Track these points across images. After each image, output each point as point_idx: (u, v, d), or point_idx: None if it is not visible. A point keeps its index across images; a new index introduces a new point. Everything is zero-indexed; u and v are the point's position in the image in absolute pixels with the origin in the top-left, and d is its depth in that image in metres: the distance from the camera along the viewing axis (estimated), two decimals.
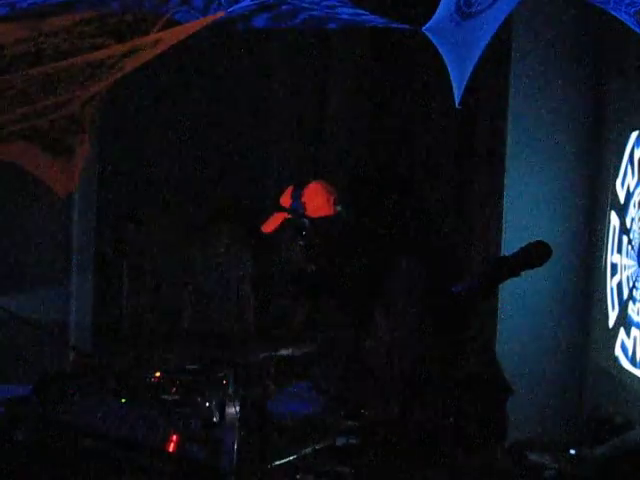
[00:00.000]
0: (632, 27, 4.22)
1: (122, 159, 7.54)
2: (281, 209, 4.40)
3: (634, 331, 5.78)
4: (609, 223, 6.27)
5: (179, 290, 7.78)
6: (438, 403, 3.80)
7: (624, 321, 5.93)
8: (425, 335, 3.83)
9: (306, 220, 4.29)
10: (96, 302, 7.39)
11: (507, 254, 3.45)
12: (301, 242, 4.25)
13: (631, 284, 5.87)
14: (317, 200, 4.30)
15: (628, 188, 6.01)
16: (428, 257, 4.02)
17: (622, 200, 6.09)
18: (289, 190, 4.41)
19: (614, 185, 6.21)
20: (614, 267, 6.17)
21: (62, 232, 7.26)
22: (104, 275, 7.44)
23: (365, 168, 7.32)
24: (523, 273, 3.63)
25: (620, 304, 6.02)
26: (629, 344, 5.85)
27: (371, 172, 4.44)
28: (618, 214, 6.15)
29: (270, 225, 4.34)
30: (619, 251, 6.10)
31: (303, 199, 4.30)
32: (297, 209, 4.30)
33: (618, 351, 5.98)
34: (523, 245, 3.72)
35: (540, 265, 3.53)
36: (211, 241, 7.59)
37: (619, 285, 6.07)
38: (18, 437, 3.58)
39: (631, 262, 5.86)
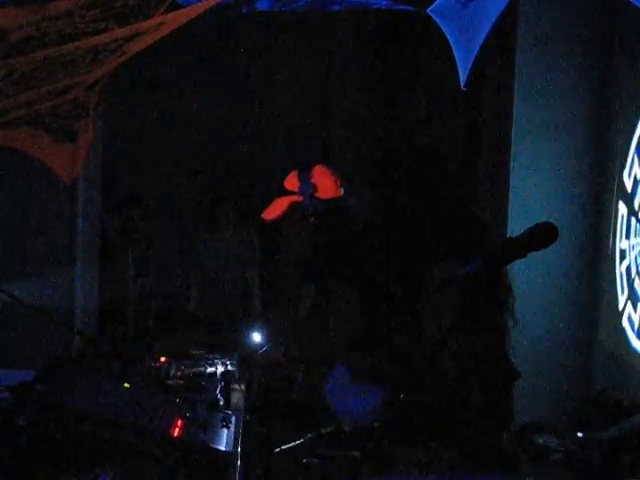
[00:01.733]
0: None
1: (127, 144, 7.54)
2: (286, 193, 4.38)
3: None
4: (617, 211, 6.24)
5: (185, 274, 7.79)
6: (446, 387, 3.78)
7: (632, 296, 5.92)
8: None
9: (317, 202, 4.28)
10: (101, 287, 7.39)
11: (513, 236, 3.41)
12: (315, 221, 4.23)
13: (639, 261, 5.86)
14: (326, 181, 4.30)
15: (635, 177, 5.98)
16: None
17: (629, 189, 6.06)
18: (294, 174, 4.39)
19: (621, 175, 6.18)
20: (622, 253, 6.14)
21: (67, 217, 7.25)
22: (109, 260, 7.44)
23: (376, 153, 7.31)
24: (529, 254, 3.62)
25: (629, 287, 6.00)
26: (635, 318, 5.84)
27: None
28: (625, 203, 6.12)
29: (274, 211, 4.32)
30: (627, 237, 6.08)
31: (312, 180, 4.29)
32: (307, 191, 4.29)
33: (625, 324, 5.96)
34: (529, 226, 3.70)
35: (546, 246, 3.48)
36: (217, 225, 7.59)
37: (628, 269, 6.05)
38: (22, 422, 3.57)
39: (639, 240, 5.84)
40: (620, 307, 6.12)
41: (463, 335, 3.79)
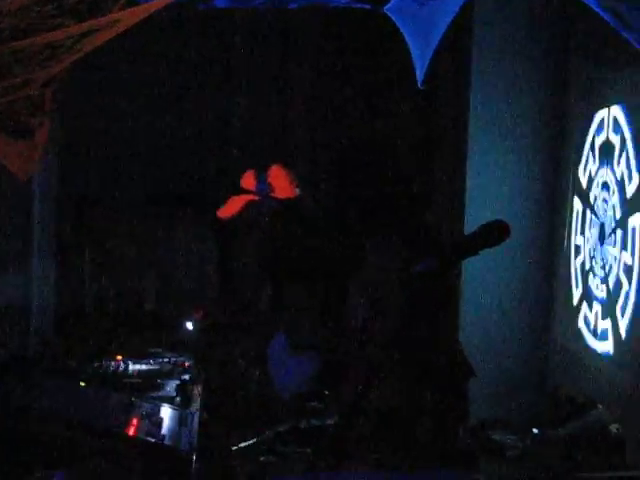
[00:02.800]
0: (593, 8, 4.22)
1: (83, 141, 7.48)
2: (242, 192, 4.39)
3: (595, 305, 5.83)
4: (572, 207, 6.31)
5: (142, 273, 7.76)
6: (399, 385, 3.80)
7: (586, 295, 5.98)
8: (403, 315, 3.83)
9: (272, 201, 4.30)
10: (58, 286, 7.33)
11: (466, 234, 3.44)
12: (262, 224, 4.25)
13: (591, 255, 5.93)
14: (282, 181, 4.32)
15: (590, 174, 6.04)
16: (406, 237, 4.02)
17: (584, 185, 6.13)
18: (251, 173, 4.41)
19: (576, 171, 6.25)
20: (577, 248, 6.21)
21: (22, 215, 7.18)
22: (66, 258, 7.39)
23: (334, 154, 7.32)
24: (481, 252, 3.64)
25: (583, 282, 6.06)
26: (589, 314, 5.90)
27: (353, 154, 4.42)
28: (581, 199, 6.18)
29: (229, 209, 4.33)
30: (582, 233, 6.14)
31: (269, 180, 4.31)
32: (263, 190, 4.31)
33: (581, 324, 6.03)
34: (481, 223, 3.72)
35: (498, 244, 3.52)
36: (173, 223, 7.56)
37: (582, 265, 6.11)
38: None
39: (594, 233, 5.90)
40: (575, 303, 6.18)
41: (415, 329, 3.81)
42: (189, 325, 5.19)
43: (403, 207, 4.30)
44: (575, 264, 6.24)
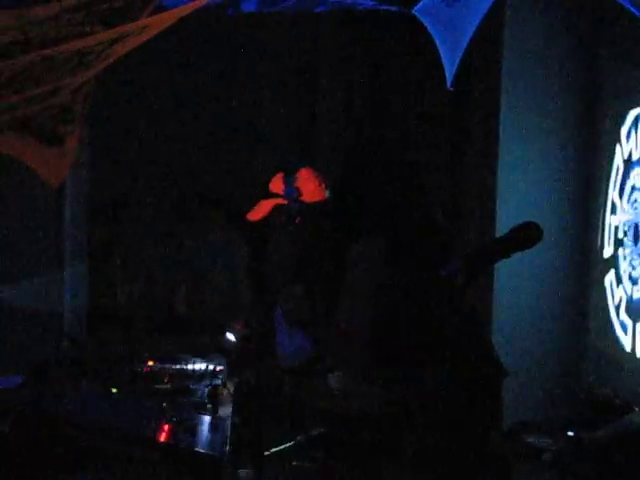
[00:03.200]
0: (626, 6, 4.19)
1: (113, 147, 7.51)
2: (271, 196, 4.39)
3: (632, 307, 5.77)
4: (606, 207, 6.24)
5: (173, 277, 7.78)
6: (429, 386, 3.76)
7: (623, 297, 5.92)
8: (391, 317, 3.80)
9: (301, 205, 4.30)
10: (90, 290, 7.36)
11: (497, 237, 3.41)
12: (290, 228, 4.24)
13: (630, 257, 5.86)
14: (310, 185, 4.31)
15: (623, 174, 5.99)
16: (393, 239, 4.00)
17: (618, 186, 6.05)
18: (279, 176, 4.40)
19: (610, 171, 6.17)
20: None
21: (54, 221, 7.22)
22: (97, 262, 7.42)
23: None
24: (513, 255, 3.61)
25: (620, 283, 5.99)
26: (628, 320, 5.84)
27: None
28: (615, 199, 6.12)
29: (258, 212, 4.33)
30: (617, 234, 6.08)
31: (297, 184, 4.30)
32: (291, 194, 4.30)
33: (617, 326, 5.97)
34: (513, 226, 3.69)
35: (530, 247, 3.48)
36: (204, 228, 7.57)
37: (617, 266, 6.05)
38: (6, 428, 3.56)
39: (629, 234, 5.85)
40: (611, 305, 6.12)
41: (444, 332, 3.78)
42: (229, 335, 5.17)
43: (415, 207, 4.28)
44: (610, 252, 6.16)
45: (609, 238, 6.21)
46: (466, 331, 3.91)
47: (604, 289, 6.22)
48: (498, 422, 4.27)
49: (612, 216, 6.16)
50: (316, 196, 4.27)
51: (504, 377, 4.18)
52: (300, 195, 4.25)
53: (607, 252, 6.22)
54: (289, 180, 4.31)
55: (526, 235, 3.51)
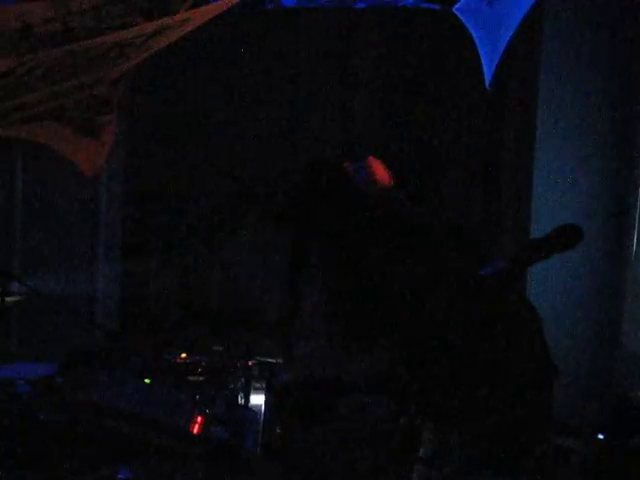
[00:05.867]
0: None
1: (150, 139, 7.54)
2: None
3: None
4: None
5: (207, 270, 7.79)
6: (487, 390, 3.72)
7: None
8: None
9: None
10: (124, 282, 7.40)
11: (537, 237, 3.39)
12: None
13: None
14: (381, 171, 4.27)
15: None
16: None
17: None
18: (347, 164, 4.35)
19: None
20: None
21: (89, 212, 7.27)
22: (131, 255, 7.45)
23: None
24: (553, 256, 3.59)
25: None
26: None
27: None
28: None
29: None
30: None
31: (368, 170, 4.25)
32: (363, 179, 4.25)
33: None
34: (554, 227, 3.66)
35: (570, 248, 3.46)
36: (240, 222, 7.58)
37: None
38: (42, 416, 3.58)
39: None
40: None
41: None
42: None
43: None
44: None
45: None
46: (516, 330, 3.87)
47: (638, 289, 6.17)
48: (548, 432, 4.18)
49: None
50: (386, 181, 4.23)
51: (556, 377, 4.11)
52: (373, 181, 4.20)
53: None
54: (358, 167, 4.27)
55: (568, 237, 3.49)
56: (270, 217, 7.21)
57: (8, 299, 5.40)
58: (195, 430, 3.67)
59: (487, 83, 5.57)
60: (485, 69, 5.55)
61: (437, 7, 5.27)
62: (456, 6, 5.34)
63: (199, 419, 3.74)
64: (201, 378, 4.44)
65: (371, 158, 4.24)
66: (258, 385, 4.43)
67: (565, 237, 3.49)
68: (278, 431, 4.23)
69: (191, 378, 4.44)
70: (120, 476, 3.43)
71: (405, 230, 3.93)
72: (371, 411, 4.27)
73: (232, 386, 4.36)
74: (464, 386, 3.65)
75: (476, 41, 5.47)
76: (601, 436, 5.48)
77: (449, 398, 3.68)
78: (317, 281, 4.26)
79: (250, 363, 4.66)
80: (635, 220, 6.31)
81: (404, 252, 3.84)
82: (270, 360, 4.84)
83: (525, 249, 3.49)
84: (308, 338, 4.38)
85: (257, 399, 4.28)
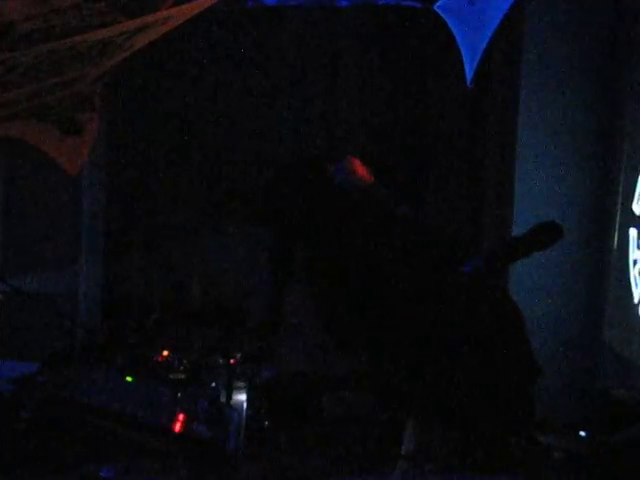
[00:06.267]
0: None
1: (132, 137, 7.53)
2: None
3: None
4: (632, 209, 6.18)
5: (190, 269, 7.79)
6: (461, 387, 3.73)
7: None
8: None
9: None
10: (106, 280, 7.39)
11: (518, 235, 3.40)
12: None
13: None
14: (361, 170, 4.29)
15: None
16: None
17: None
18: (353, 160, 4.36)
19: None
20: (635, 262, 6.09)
21: (71, 210, 7.25)
22: (114, 252, 7.44)
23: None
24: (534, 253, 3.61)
25: None
26: None
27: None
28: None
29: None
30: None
31: (349, 169, 4.26)
32: (344, 179, 4.26)
33: (636, 326, 5.91)
34: (534, 224, 3.68)
35: (551, 245, 3.48)
36: (222, 221, 7.58)
37: None
38: (25, 414, 3.57)
39: None
40: (629, 305, 6.06)
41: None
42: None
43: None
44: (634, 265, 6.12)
45: (633, 246, 6.14)
46: (497, 329, 3.88)
47: (623, 290, 6.18)
48: (527, 425, 4.21)
49: (632, 228, 6.11)
50: (366, 179, 4.25)
51: (538, 377, 4.12)
52: (353, 179, 4.21)
53: (632, 257, 6.16)
54: (340, 166, 4.28)
55: (546, 234, 3.51)
56: (253, 216, 7.21)
57: None
58: (177, 428, 3.67)
59: (468, 80, 5.59)
60: (466, 67, 5.57)
61: (418, 5, 5.28)
62: (437, 4, 5.36)
63: (181, 417, 3.74)
64: (183, 376, 4.44)
65: (350, 157, 4.26)
66: (240, 383, 4.43)
67: (544, 235, 3.51)
68: (262, 427, 4.24)
69: (173, 376, 4.44)
70: (102, 474, 3.43)
71: (386, 227, 3.94)
72: (354, 407, 4.28)
73: (214, 384, 4.36)
74: (447, 383, 3.67)
75: (457, 39, 5.49)
76: (583, 433, 5.50)
77: (431, 395, 3.69)
78: (301, 280, 4.26)
79: (232, 361, 4.66)
80: (616, 219, 6.34)
81: (385, 249, 3.86)
82: (253, 358, 4.84)
83: (504, 247, 3.51)
84: (291, 336, 4.38)
85: (239, 397, 4.29)
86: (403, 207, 4.13)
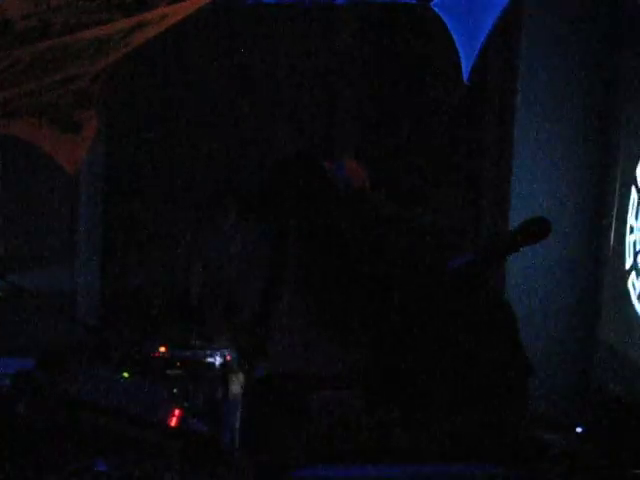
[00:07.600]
0: None
1: (130, 135, 7.54)
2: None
3: None
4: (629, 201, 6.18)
5: (187, 266, 7.80)
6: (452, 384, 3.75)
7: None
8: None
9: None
10: (103, 277, 7.41)
11: (506, 230, 3.43)
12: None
13: None
14: (358, 172, 4.32)
15: None
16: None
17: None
18: (327, 163, 4.39)
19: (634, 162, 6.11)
20: (634, 245, 6.09)
21: (69, 208, 7.27)
22: (111, 250, 7.45)
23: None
24: (522, 249, 3.62)
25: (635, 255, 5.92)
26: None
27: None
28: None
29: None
30: (636, 218, 6.01)
31: (347, 171, 4.29)
32: (343, 180, 4.29)
33: (632, 323, 5.92)
34: (522, 220, 3.69)
35: (538, 241, 3.49)
36: (219, 218, 7.59)
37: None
38: (21, 410, 3.60)
39: None
40: (625, 304, 6.08)
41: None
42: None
43: None
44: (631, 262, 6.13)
45: (629, 252, 6.15)
46: (488, 327, 3.90)
47: (620, 285, 6.19)
48: (520, 422, 4.22)
49: (630, 235, 6.12)
50: (363, 180, 4.28)
51: (531, 376, 4.14)
52: (351, 179, 4.24)
53: (628, 263, 6.17)
54: (338, 167, 4.31)
55: (535, 229, 3.52)
56: (251, 213, 7.22)
57: None
58: (173, 423, 3.69)
59: (465, 77, 5.60)
60: (463, 63, 5.58)
61: (415, 2, 5.30)
62: (434, 1, 5.37)
63: (177, 412, 3.76)
64: (179, 372, 4.46)
65: (348, 159, 4.29)
66: (236, 379, 4.45)
67: (532, 230, 3.51)
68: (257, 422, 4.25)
69: (169, 372, 4.45)
70: (98, 469, 3.45)
71: (380, 225, 3.97)
72: (344, 405, 4.30)
73: (210, 379, 4.38)
74: (436, 380, 3.69)
75: (454, 36, 5.50)
76: (580, 429, 5.52)
77: (422, 393, 3.71)
78: (295, 278, 4.29)
79: (228, 357, 4.68)
80: (612, 217, 6.34)
81: (378, 247, 3.89)
82: (249, 354, 4.85)
83: (493, 242, 3.52)
84: (283, 333, 4.40)
85: (235, 392, 4.30)
86: (396, 207, 4.16)
